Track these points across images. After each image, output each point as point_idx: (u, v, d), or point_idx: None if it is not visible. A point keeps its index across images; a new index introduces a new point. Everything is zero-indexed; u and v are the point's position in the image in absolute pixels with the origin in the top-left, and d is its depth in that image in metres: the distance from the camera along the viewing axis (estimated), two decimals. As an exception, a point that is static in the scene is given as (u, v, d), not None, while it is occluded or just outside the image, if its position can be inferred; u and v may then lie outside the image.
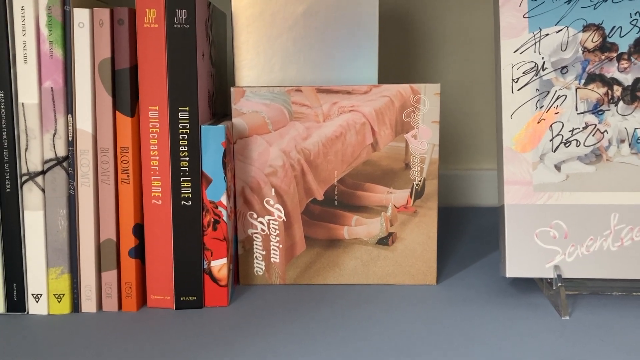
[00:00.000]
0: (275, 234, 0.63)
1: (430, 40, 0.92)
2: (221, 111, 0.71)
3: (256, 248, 0.63)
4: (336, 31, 0.63)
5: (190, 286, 0.57)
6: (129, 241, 0.56)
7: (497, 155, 0.61)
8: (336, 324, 0.54)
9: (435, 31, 0.92)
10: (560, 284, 0.57)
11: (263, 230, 0.63)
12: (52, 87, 0.53)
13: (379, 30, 0.91)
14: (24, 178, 0.54)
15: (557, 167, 0.60)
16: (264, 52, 0.63)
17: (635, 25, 0.60)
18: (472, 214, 0.91)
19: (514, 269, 0.58)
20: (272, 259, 0.63)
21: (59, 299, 0.56)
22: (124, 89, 0.54)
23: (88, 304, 0.56)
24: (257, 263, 0.63)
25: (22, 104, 0.54)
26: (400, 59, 0.93)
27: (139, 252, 0.57)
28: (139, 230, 0.57)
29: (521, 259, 0.58)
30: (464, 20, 0.91)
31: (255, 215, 0.62)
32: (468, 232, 0.82)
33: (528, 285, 0.63)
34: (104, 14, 0.53)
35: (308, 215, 0.62)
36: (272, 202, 0.62)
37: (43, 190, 0.54)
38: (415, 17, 0.92)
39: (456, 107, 0.94)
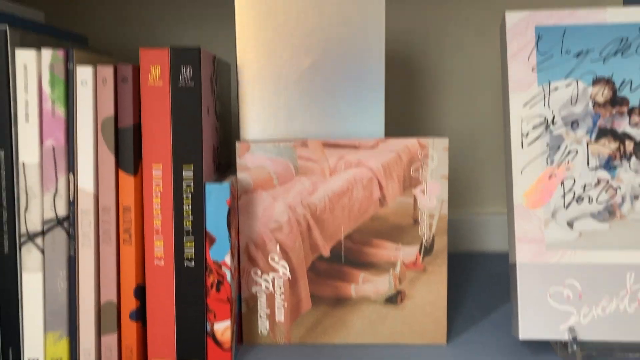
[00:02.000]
0: (280, 291, 0.61)
1: (436, 83, 0.92)
2: (225, 161, 0.69)
3: (260, 306, 0.61)
4: (342, 85, 0.62)
5: (193, 349, 0.55)
6: (130, 303, 0.54)
7: (508, 211, 0.60)
8: (344, 391, 0.52)
9: (441, 75, 0.91)
10: (575, 347, 0.55)
11: (267, 288, 0.61)
12: (53, 146, 0.52)
13: (385, 79, 0.91)
14: (22, 239, 0.53)
15: (570, 224, 0.58)
16: (269, 105, 0.62)
17: (645, 80, 0.59)
18: (481, 260, 0.89)
19: (527, 330, 0.56)
20: (276, 318, 0.61)
21: (56, 364, 0.54)
22: (127, 147, 0.53)
23: (86, 369, 0.54)
24: (261, 322, 0.61)
25: (23, 163, 0.52)
26: (405, 103, 0.92)
27: (140, 315, 0.55)
28: (140, 292, 0.55)
29: (534, 320, 0.57)
30: (470, 65, 0.91)
31: (259, 272, 0.61)
32: (478, 280, 0.80)
33: (542, 346, 0.61)
34: (107, 71, 0.52)
35: (314, 272, 0.61)
36: (277, 259, 0.60)
37: (42, 252, 0.53)
38: (421, 64, 0.91)
39: (464, 151, 0.93)
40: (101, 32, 0.88)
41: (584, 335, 0.56)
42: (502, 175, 0.93)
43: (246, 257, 0.60)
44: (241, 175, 0.60)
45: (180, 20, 0.88)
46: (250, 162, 0.60)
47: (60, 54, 0.51)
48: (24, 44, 0.53)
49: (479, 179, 0.94)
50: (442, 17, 0.90)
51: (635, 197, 0.58)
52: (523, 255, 0.58)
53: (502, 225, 0.93)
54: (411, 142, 0.60)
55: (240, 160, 0.60)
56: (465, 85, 0.91)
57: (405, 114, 0.92)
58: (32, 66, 0.51)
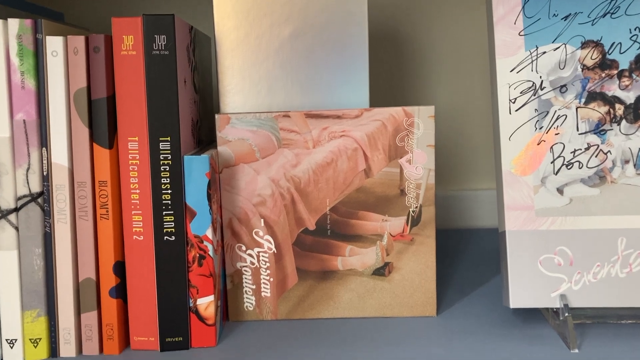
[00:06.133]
0: (266, 266, 0.59)
1: (423, 59, 0.90)
2: (207, 139, 0.68)
3: (246, 282, 0.60)
4: (324, 53, 0.60)
5: (175, 326, 0.53)
6: (109, 280, 0.53)
7: (496, 179, 0.59)
8: (331, 364, 0.51)
9: (428, 50, 0.90)
10: (567, 314, 0.54)
11: (252, 263, 0.59)
12: (24, 120, 0.50)
13: (370, 50, 0.89)
14: (-4, 216, 0.51)
15: (560, 191, 0.57)
16: (249, 76, 0.60)
17: (635, 41, 0.57)
18: (470, 236, 0.88)
19: (517, 299, 0.55)
20: (262, 293, 0.60)
21: (36, 344, 0.52)
22: (101, 120, 0.52)
23: (67, 348, 0.53)
24: (247, 298, 0.60)
25: (-7, 138, 0.51)
26: (392, 79, 0.90)
27: (120, 292, 0.54)
28: (119, 268, 0.53)
29: (525, 288, 0.55)
30: (458, 38, 0.89)
31: (243, 248, 0.59)
32: (467, 256, 0.79)
33: (533, 315, 0.59)
34: (78, 41, 0.50)
35: (299, 246, 0.59)
36: (261, 234, 0.59)
37: (17, 229, 0.51)
38: (406, 36, 0.90)
39: (451, 127, 0.91)
40: (78, 9, 0.86)
41: (576, 302, 0.55)
42: (492, 151, 0.92)
43: (230, 233, 0.59)
44: (222, 148, 0.58)
45: (161, -3, 0.86)
46: (231, 134, 0.58)
47: (28, 23, 0.50)
48: (-8, 15, 0.51)
49: (469, 155, 0.92)
50: (429, -12, 0.88)
51: (626, 161, 0.57)
52: (512, 223, 0.56)
53: (492, 201, 0.92)
54: (396, 111, 0.58)
55: (221, 134, 0.58)
56: (454, 57, 0.90)
57: (392, 88, 0.90)
58: (-1, 36, 0.49)
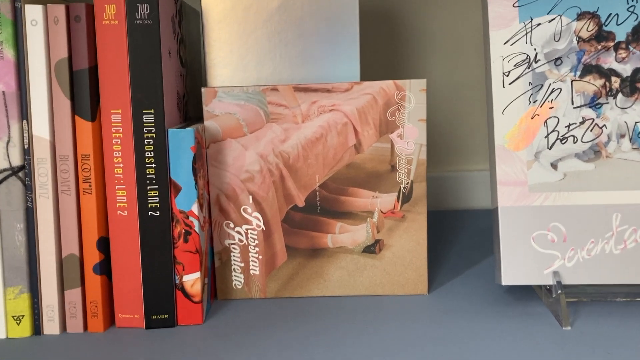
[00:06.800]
0: (254, 244, 0.58)
1: (416, 35, 0.88)
2: (195, 114, 0.67)
3: (234, 260, 0.58)
4: (314, 25, 0.59)
5: (161, 303, 0.52)
6: (93, 256, 0.52)
7: (489, 154, 0.57)
8: (322, 340, 0.50)
9: (421, 25, 0.88)
10: (560, 291, 0.53)
11: (241, 241, 0.58)
12: (3, 91, 0.49)
13: (361, 25, 0.87)
14: (-24, 190, 0.50)
15: (554, 166, 0.56)
16: (237, 49, 0.59)
17: (632, 12, 0.56)
18: (464, 217, 0.87)
19: (509, 276, 0.54)
20: (251, 271, 0.59)
21: (18, 321, 0.51)
22: (83, 92, 0.50)
23: (50, 326, 0.52)
24: (235, 276, 0.59)
25: (-28, 110, 0.49)
26: (384, 55, 0.89)
27: (104, 268, 0.53)
28: (104, 244, 0.52)
29: (517, 265, 0.54)
30: (452, 13, 0.88)
31: (231, 225, 0.58)
32: (460, 236, 0.78)
33: (526, 293, 0.58)
34: (59, 10, 0.49)
35: (289, 224, 0.58)
36: (249, 210, 0.58)
37: (-3, 203, 0.50)
38: (399, 11, 0.88)
39: (445, 105, 0.90)
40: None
41: (569, 279, 0.54)
42: (487, 130, 0.90)
43: (217, 209, 0.58)
44: (208, 122, 0.57)
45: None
46: (218, 109, 0.57)
47: (6, -9, 0.48)
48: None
49: (464, 135, 0.91)
50: (424, -36, 0.86)
51: (622, 136, 0.56)
52: (505, 199, 0.55)
53: (487, 182, 0.91)
54: (387, 84, 0.57)
55: (207, 107, 0.57)
56: (448, 32, 0.88)
57: (385, 64, 0.89)
58: (-24, 5, 0.48)
